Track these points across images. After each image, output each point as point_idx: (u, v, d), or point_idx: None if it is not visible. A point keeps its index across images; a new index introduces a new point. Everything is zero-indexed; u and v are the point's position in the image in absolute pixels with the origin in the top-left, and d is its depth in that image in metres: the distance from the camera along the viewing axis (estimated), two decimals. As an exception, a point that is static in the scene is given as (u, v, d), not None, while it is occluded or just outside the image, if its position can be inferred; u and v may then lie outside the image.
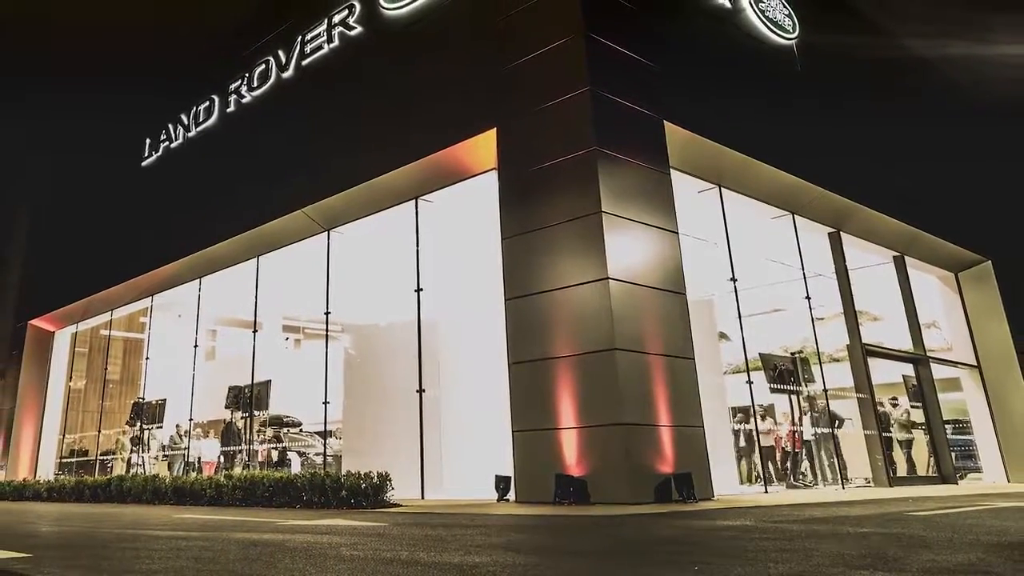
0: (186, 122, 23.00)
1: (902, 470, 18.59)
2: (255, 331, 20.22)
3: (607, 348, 11.55)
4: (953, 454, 19.68)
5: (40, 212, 32.13)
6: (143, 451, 22.99)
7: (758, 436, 16.45)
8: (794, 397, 16.87)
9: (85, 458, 26.15)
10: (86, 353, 28.78)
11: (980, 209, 22.33)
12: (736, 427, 17.01)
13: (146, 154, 24.62)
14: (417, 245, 15.78)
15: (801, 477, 17.03)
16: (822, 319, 18.39)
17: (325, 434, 18.28)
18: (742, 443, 17.24)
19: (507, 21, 14.32)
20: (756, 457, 16.81)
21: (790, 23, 18.16)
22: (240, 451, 19.69)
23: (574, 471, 11.44)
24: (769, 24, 17.54)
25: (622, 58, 13.67)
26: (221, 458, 20.44)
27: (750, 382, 15.36)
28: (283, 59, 19.62)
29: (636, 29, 14.17)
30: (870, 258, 20.49)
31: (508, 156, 13.77)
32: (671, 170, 13.82)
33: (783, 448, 17.66)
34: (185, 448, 21.89)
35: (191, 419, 21.78)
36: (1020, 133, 24.09)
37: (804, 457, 17.35)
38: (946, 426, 19.77)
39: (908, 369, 20.05)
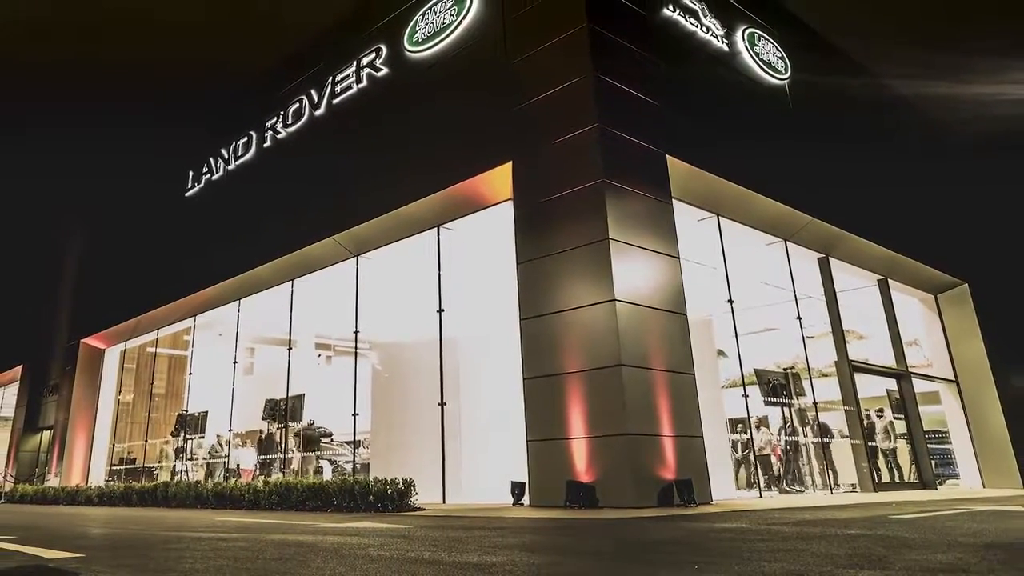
0: (226, 156, 23.20)
1: (886, 476, 18.49)
2: (290, 348, 20.26)
3: (614, 364, 11.55)
4: (933, 462, 19.53)
5: (92, 239, 32.41)
6: (186, 459, 23.05)
7: (753, 445, 16.41)
8: (786, 409, 16.85)
9: (133, 466, 26.20)
10: (134, 369, 28.90)
11: (958, 236, 22.31)
12: (733, 437, 16.96)
13: (189, 185, 24.83)
14: (439, 269, 15.83)
15: (792, 482, 16.93)
16: (812, 337, 18.36)
17: (354, 443, 18.26)
18: (738, 452, 17.18)
19: (522, 63, 14.43)
20: (751, 464, 16.73)
21: (782, 65, 18.27)
22: (275, 459, 19.72)
23: (584, 477, 11.43)
24: (763, 66, 17.64)
25: (628, 97, 13.75)
26: (258, 466, 20.48)
27: (746, 395, 15.33)
28: (315, 98, 19.80)
29: (641, 70, 14.26)
30: (856, 281, 20.46)
31: (523, 187, 13.83)
32: (673, 200, 13.84)
33: (779, 456, 17.61)
34: (225, 456, 21.95)
35: (231, 430, 21.83)
36: (994, 166, 24.08)
37: (793, 464, 17.26)
38: (926, 436, 19.67)
39: (891, 384, 19.99)
